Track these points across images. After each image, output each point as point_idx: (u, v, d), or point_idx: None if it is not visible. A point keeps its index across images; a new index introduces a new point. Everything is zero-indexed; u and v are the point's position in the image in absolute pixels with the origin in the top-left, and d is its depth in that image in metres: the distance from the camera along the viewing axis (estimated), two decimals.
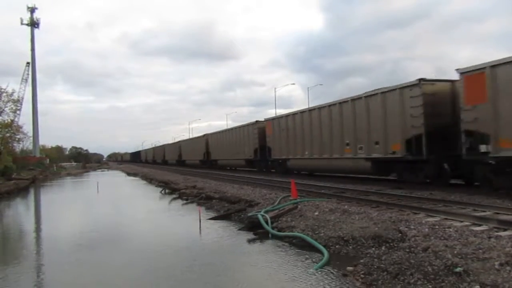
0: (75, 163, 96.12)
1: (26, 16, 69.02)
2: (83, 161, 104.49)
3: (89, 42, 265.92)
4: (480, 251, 5.69)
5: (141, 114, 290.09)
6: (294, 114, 23.27)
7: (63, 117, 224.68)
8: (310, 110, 21.42)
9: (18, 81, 64.60)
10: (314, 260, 7.00)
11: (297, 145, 22.38)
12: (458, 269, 5.12)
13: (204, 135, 42.22)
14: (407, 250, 6.33)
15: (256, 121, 29.66)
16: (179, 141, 59.18)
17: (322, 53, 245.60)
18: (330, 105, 19.07)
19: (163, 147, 73.27)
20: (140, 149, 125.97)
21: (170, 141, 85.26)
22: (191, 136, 79.52)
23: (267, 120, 27.65)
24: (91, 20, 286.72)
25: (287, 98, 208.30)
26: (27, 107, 67.64)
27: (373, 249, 6.91)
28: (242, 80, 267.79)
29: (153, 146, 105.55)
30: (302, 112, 22.26)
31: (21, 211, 19.14)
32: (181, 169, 44.36)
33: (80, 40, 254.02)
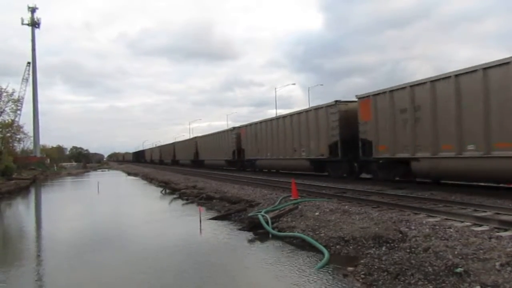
0: (76, 163, 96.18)
1: (26, 16, 69.40)
2: (84, 161, 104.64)
3: (87, 42, 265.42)
4: (481, 251, 5.68)
5: (141, 114, 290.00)
6: (472, 71, 11.47)
7: (63, 117, 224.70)
8: None
9: (17, 81, 65.03)
10: (314, 260, 7.00)
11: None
12: (458, 270, 5.11)
13: (234, 128, 33.58)
14: (408, 250, 6.32)
15: (336, 102, 18.55)
16: (195, 137, 49.57)
17: (321, 53, 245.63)
18: None
19: (173, 145, 62.58)
20: (141, 148, 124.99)
21: (171, 141, 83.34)
22: (192, 136, 75.99)
23: (371, 95, 15.87)
24: (89, 20, 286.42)
25: (287, 98, 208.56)
26: (27, 107, 67.88)
27: (374, 249, 6.90)
28: (241, 80, 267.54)
29: (155, 145, 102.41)
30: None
31: (22, 211, 19.16)
32: (184, 169, 44.31)
33: (78, 40, 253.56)
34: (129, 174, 51.73)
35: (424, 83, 13.28)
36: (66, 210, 18.11)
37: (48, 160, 71.19)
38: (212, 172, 31.81)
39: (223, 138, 35.83)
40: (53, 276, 7.04)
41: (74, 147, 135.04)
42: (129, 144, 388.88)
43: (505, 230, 7.05)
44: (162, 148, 74.97)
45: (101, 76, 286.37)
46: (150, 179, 34.63)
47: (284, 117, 24.30)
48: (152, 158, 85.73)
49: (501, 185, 12.68)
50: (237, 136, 32.28)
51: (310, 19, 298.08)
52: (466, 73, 11.74)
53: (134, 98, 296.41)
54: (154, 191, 23.95)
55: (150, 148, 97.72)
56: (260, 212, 10.68)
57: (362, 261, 6.43)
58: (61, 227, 12.84)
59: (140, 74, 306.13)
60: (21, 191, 28.23)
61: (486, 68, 11.07)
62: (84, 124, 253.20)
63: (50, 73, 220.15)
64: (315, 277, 6.09)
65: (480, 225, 7.56)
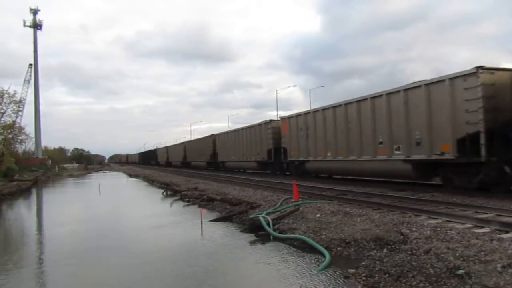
0: (77, 165, 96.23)
1: (25, 18, 69.60)
2: (85, 163, 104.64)
3: (85, 44, 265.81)
4: (482, 253, 5.69)
5: (141, 115, 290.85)
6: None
7: (63, 119, 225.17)
8: None
9: (16, 83, 65.06)
10: (316, 262, 7.00)
11: None
12: (460, 272, 5.11)
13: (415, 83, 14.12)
14: (409, 252, 6.33)
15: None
16: (267, 123, 26.85)
17: (320, 55, 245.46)
18: None
19: (212, 139, 38.61)
20: (142, 150, 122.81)
21: (172, 143, 77.85)
22: (193, 137, 65.24)
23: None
24: (86, 22, 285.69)
25: (286, 100, 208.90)
26: (28, 108, 68.03)
27: (375, 251, 6.90)
28: (239, 82, 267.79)
29: (156, 146, 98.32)
30: None
31: (23, 214, 19.17)
32: (184, 171, 44.11)
33: (76, 42, 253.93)
34: (130, 176, 51.75)
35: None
36: (67, 213, 18.10)
37: (50, 161, 71.27)
38: (213, 174, 31.81)
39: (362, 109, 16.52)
40: (53, 281, 7.03)
41: (76, 149, 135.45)
42: (130, 145, 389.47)
43: (507, 232, 7.04)
44: (187, 146, 51.83)
45: (99, 78, 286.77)
46: (151, 181, 34.65)
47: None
48: (168, 159, 65.34)
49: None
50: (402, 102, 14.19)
51: (308, 21, 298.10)
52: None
53: (133, 100, 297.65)
54: (155, 193, 23.96)
55: (165, 147, 76.37)
56: (261, 214, 10.68)
57: (363, 263, 6.43)
58: (63, 230, 12.79)
59: (139, 76, 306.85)
60: (23, 192, 28.28)
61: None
62: (84, 126, 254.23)
63: (49, 74, 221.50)
64: (316, 279, 6.10)
65: (481, 227, 7.55)
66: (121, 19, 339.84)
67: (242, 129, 31.35)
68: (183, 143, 56.59)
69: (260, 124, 27.44)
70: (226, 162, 34.46)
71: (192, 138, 55.51)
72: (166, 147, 73.06)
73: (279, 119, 25.04)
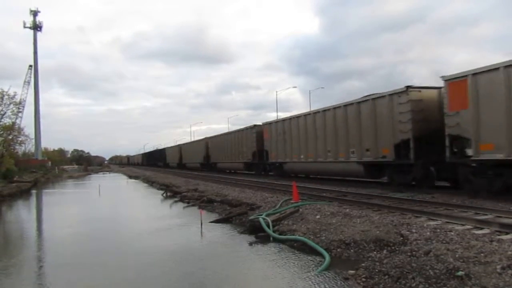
0: (77, 166, 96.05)
1: (24, 19, 69.50)
2: (85, 164, 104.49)
3: (82, 46, 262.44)
4: (482, 254, 5.69)
5: (140, 117, 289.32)
6: None
7: (62, 120, 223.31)
8: None
9: (14, 84, 64.65)
10: (315, 263, 7.00)
11: None
12: (460, 273, 5.12)
13: None
14: (409, 253, 6.33)
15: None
16: (406, 90, 13.86)
17: (318, 57, 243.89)
18: None
19: (255, 132, 28.27)
20: (141, 151, 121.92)
21: (171, 144, 77.00)
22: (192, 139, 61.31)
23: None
24: (84, 23, 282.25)
25: (286, 101, 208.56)
26: (28, 110, 67.97)
27: (375, 252, 6.91)
28: (238, 84, 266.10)
29: (156, 148, 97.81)
30: None
31: (23, 215, 19.16)
32: (185, 172, 44.13)
33: (73, 43, 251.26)
34: (130, 177, 51.73)
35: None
36: (68, 215, 18.08)
37: (50, 163, 71.13)
38: (213, 175, 31.79)
39: None
40: (55, 285, 7.02)
41: (75, 150, 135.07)
42: (130, 147, 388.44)
43: (506, 233, 7.04)
44: (210, 142, 40.70)
45: (98, 79, 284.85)
46: (151, 182, 34.64)
47: None
48: (182, 160, 54.50)
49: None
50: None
51: (306, 22, 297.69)
52: None
53: (132, 101, 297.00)
54: (155, 194, 23.97)
55: (177, 145, 62.80)
56: (261, 215, 10.69)
57: (363, 264, 6.44)
58: (63, 232, 12.75)
59: (137, 77, 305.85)
60: (23, 194, 28.28)
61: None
62: (84, 127, 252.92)
63: (47, 76, 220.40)
64: (316, 281, 6.10)
65: (481, 228, 7.56)
66: (119, 20, 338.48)
67: (328, 109, 18.81)
68: (204, 139, 44.49)
69: (391, 94, 14.76)
70: (286, 164, 23.58)
71: (212, 135, 42.58)
72: (179, 146, 60.17)
73: (443, 86, 12.69)
